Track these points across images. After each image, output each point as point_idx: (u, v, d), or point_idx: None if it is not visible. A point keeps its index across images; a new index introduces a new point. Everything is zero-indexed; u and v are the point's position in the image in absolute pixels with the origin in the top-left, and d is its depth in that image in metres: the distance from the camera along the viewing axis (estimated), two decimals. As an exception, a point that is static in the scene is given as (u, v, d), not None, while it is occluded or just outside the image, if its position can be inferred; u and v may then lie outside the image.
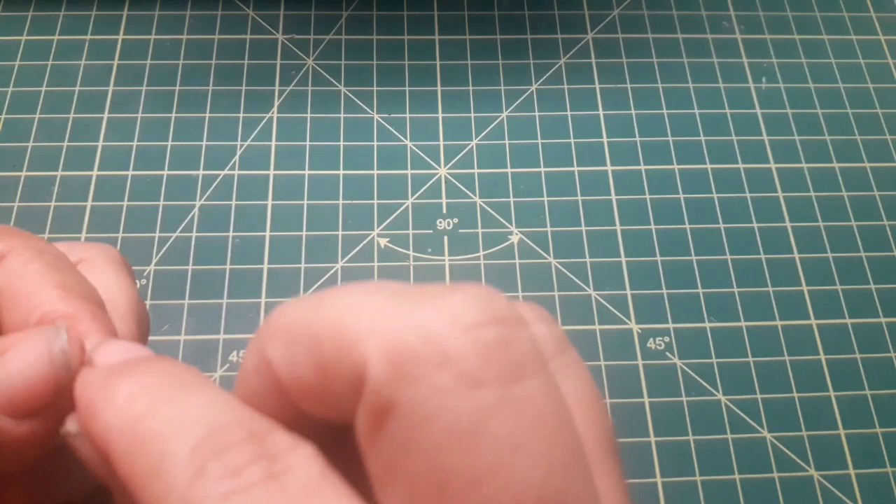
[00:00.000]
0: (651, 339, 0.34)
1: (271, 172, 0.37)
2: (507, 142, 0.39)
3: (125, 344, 0.15)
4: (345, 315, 0.11)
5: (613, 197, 0.38)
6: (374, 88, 0.40)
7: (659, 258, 0.36)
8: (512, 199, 0.37)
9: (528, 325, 0.11)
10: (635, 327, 0.35)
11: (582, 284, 0.35)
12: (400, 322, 0.11)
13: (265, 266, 0.35)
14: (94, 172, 0.37)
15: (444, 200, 0.37)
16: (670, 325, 0.35)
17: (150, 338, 0.34)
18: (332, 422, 0.12)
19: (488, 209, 0.37)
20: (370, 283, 0.12)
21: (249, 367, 0.13)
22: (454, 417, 0.10)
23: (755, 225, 0.37)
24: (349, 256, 0.35)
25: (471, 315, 0.11)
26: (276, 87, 0.39)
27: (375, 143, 0.38)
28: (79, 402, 0.13)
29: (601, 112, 0.40)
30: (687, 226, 0.37)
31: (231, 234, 0.36)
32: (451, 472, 0.10)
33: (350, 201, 0.37)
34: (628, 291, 0.35)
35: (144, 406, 0.12)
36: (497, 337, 0.11)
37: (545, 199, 0.37)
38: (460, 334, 0.11)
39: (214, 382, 0.13)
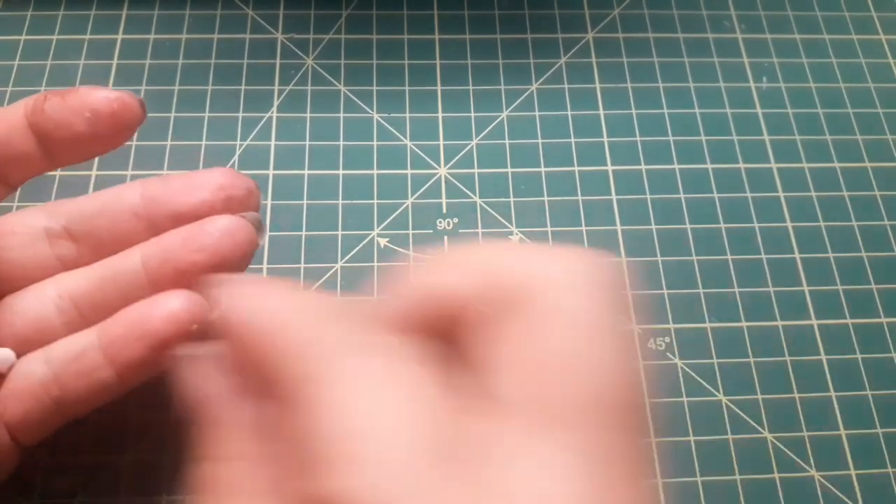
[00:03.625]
0: (651, 340, 0.34)
1: (270, 172, 0.37)
2: (507, 141, 0.39)
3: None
4: (502, 252, 0.17)
5: (614, 197, 0.38)
6: (374, 88, 0.40)
7: (659, 258, 0.36)
8: (512, 199, 0.37)
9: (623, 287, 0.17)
10: (636, 327, 0.35)
11: (582, 284, 0.35)
12: (548, 259, 0.16)
13: (264, 266, 0.35)
14: (94, 172, 0.37)
15: (444, 200, 0.37)
16: (671, 326, 0.35)
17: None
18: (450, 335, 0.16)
19: (488, 209, 0.37)
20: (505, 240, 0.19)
21: (401, 293, 0.17)
22: (572, 314, 0.15)
23: (756, 225, 0.37)
24: (349, 256, 0.35)
25: (595, 268, 0.16)
26: (276, 87, 0.39)
27: (375, 143, 0.38)
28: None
29: (602, 112, 0.40)
30: (688, 225, 0.37)
31: (230, 233, 0.36)
32: (558, 351, 0.14)
33: (350, 201, 0.37)
34: (629, 291, 0.35)
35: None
36: (611, 278, 0.15)
37: (545, 198, 0.37)
38: (591, 270, 0.15)
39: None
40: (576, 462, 0.13)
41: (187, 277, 0.21)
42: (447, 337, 0.16)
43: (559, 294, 0.15)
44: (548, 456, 0.13)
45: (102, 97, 0.22)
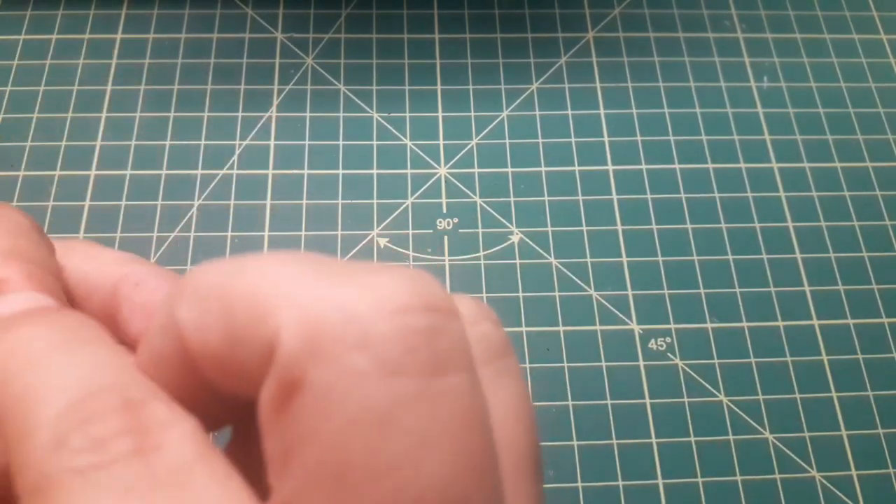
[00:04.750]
0: (652, 340, 0.34)
1: (270, 172, 0.37)
2: (507, 141, 0.39)
3: (33, 294, 0.13)
4: (263, 281, 0.11)
5: (614, 196, 0.37)
6: (374, 87, 0.40)
7: (660, 258, 0.36)
8: (512, 199, 0.37)
9: (460, 317, 0.11)
10: (636, 328, 0.34)
11: (583, 284, 0.35)
12: (322, 296, 0.10)
13: (264, 266, 0.35)
14: (92, 172, 0.37)
15: (443, 200, 0.37)
16: (671, 326, 0.35)
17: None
18: (237, 396, 0.11)
19: (488, 209, 0.37)
20: (293, 253, 0.11)
21: (156, 327, 0.12)
22: (365, 404, 0.09)
23: (757, 225, 0.37)
24: (348, 256, 0.35)
25: (400, 298, 0.10)
26: (275, 86, 0.39)
27: (375, 143, 0.38)
28: None
29: (602, 111, 0.40)
30: (688, 225, 0.37)
31: (230, 233, 0.35)
32: (352, 462, 0.09)
33: (349, 201, 0.37)
34: (629, 292, 0.35)
35: (21, 363, 0.11)
36: (425, 325, 0.10)
37: (545, 198, 0.37)
38: (385, 317, 0.10)
39: (111, 342, 0.12)
40: None
41: None
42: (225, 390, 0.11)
43: (334, 366, 0.10)
44: None
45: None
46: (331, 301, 0.10)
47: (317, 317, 0.10)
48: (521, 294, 0.35)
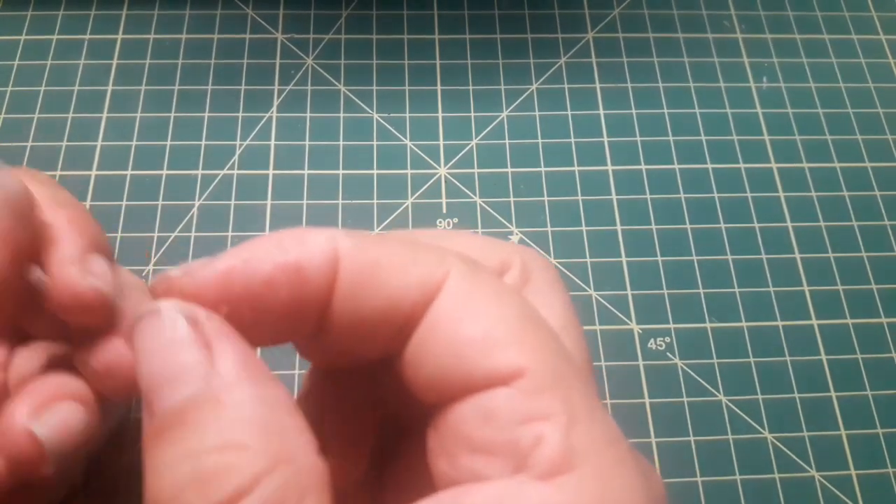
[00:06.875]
0: (652, 340, 0.34)
1: (270, 172, 0.37)
2: (507, 141, 0.39)
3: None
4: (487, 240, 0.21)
5: (614, 197, 0.38)
6: (374, 88, 0.40)
7: (660, 258, 0.36)
8: (512, 199, 0.37)
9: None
10: (636, 327, 0.34)
11: (582, 284, 0.35)
12: (523, 247, 0.21)
13: (264, 266, 0.35)
14: (93, 172, 0.37)
15: (443, 200, 0.37)
16: (671, 326, 0.35)
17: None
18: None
19: (488, 209, 0.37)
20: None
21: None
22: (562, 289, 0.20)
23: (756, 225, 0.37)
24: (349, 256, 0.35)
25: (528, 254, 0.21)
26: (276, 87, 0.39)
27: (375, 143, 0.38)
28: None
29: (601, 111, 0.40)
30: (688, 226, 0.37)
31: (230, 233, 0.36)
32: (570, 318, 0.19)
33: (349, 201, 0.37)
34: (629, 291, 0.35)
35: None
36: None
37: (545, 198, 0.37)
38: (534, 259, 0.20)
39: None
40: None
41: None
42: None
43: (545, 268, 0.20)
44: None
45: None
46: (523, 249, 0.21)
47: (526, 252, 0.20)
48: (520, 294, 0.35)
